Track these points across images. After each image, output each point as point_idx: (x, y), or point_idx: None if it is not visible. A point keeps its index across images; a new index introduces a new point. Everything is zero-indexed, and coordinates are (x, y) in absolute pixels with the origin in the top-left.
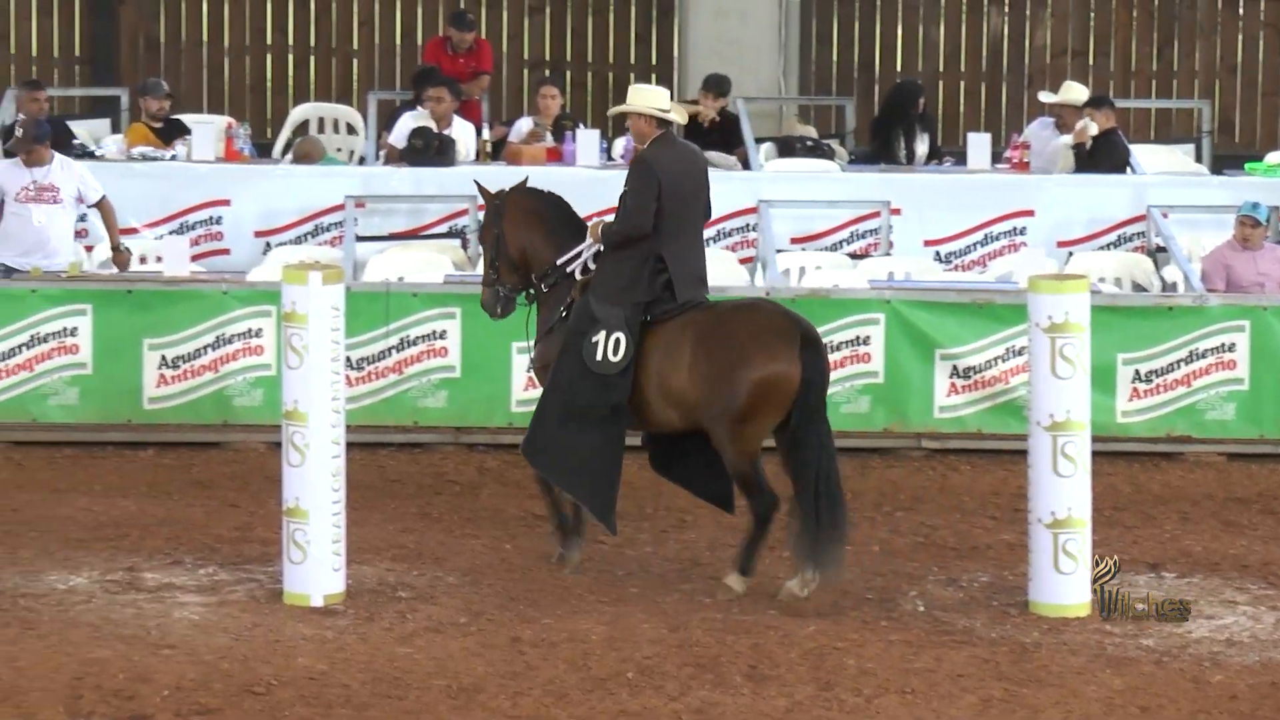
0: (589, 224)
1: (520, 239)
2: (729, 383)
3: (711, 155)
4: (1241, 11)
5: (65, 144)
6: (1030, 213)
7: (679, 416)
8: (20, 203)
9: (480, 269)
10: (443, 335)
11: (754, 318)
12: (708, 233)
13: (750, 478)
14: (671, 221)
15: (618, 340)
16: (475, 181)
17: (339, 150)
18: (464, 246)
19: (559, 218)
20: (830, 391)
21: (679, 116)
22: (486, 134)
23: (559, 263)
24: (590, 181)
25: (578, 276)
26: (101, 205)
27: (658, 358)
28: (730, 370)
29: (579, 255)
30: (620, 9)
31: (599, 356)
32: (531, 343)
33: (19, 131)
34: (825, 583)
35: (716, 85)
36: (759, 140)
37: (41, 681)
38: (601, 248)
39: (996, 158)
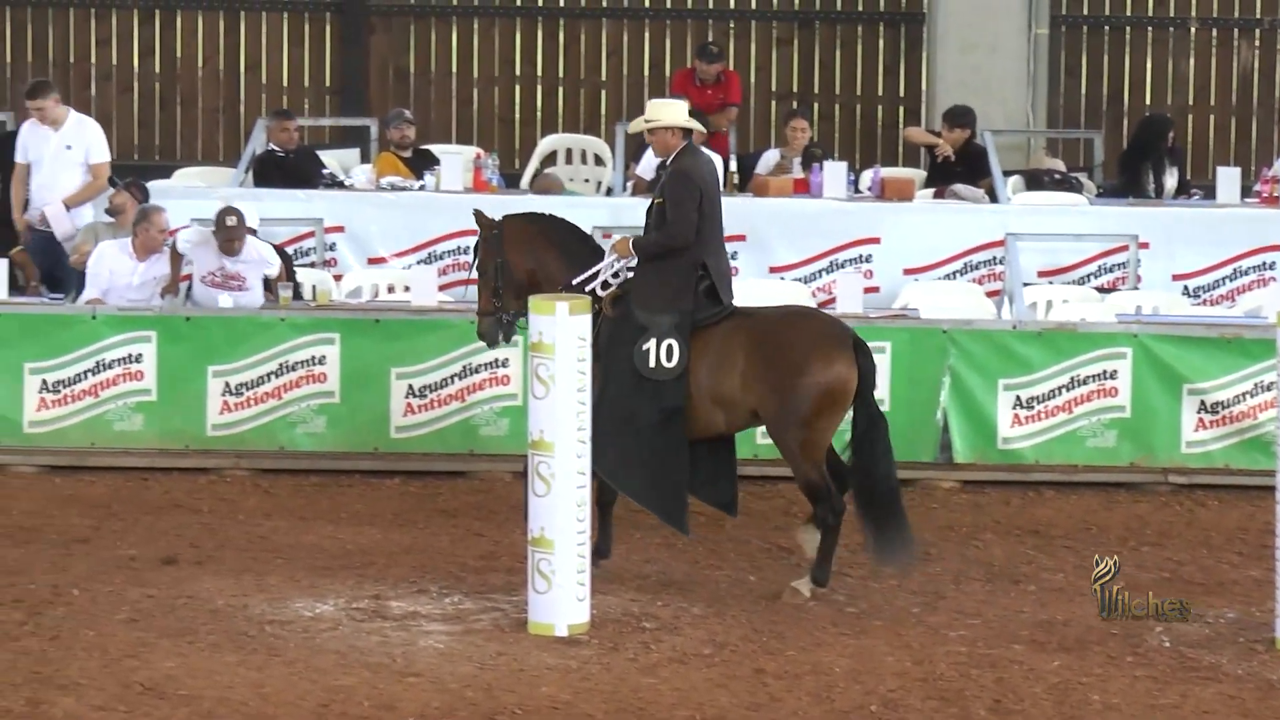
0: (613, 240)
1: (528, 262)
2: (794, 390)
3: (958, 188)
4: None
5: (315, 174)
6: None
7: (725, 420)
8: (206, 286)
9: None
10: None
11: (809, 325)
12: (954, 266)
13: (819, 485)
14: (709, 228)
15: (670, 346)
16: (474, 210)
17: (586, 181)
18: None
19: (568, 238)
20: (1075, 425)
21: (700, 127)
22: (734, 165)
23: (576, 281)
24: (836, 214)
25: (599, 293)
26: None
27: (708, 362)
28: (795, 378)
29: (598, 273)
30: (868, 41)
31: (651, 364)
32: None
33: (229, 221)
34: (900, 573)
35: (956, 117)
36: (1007, 173)
37: (287, 708)
38: (633, 260)
39: (1246, 191)
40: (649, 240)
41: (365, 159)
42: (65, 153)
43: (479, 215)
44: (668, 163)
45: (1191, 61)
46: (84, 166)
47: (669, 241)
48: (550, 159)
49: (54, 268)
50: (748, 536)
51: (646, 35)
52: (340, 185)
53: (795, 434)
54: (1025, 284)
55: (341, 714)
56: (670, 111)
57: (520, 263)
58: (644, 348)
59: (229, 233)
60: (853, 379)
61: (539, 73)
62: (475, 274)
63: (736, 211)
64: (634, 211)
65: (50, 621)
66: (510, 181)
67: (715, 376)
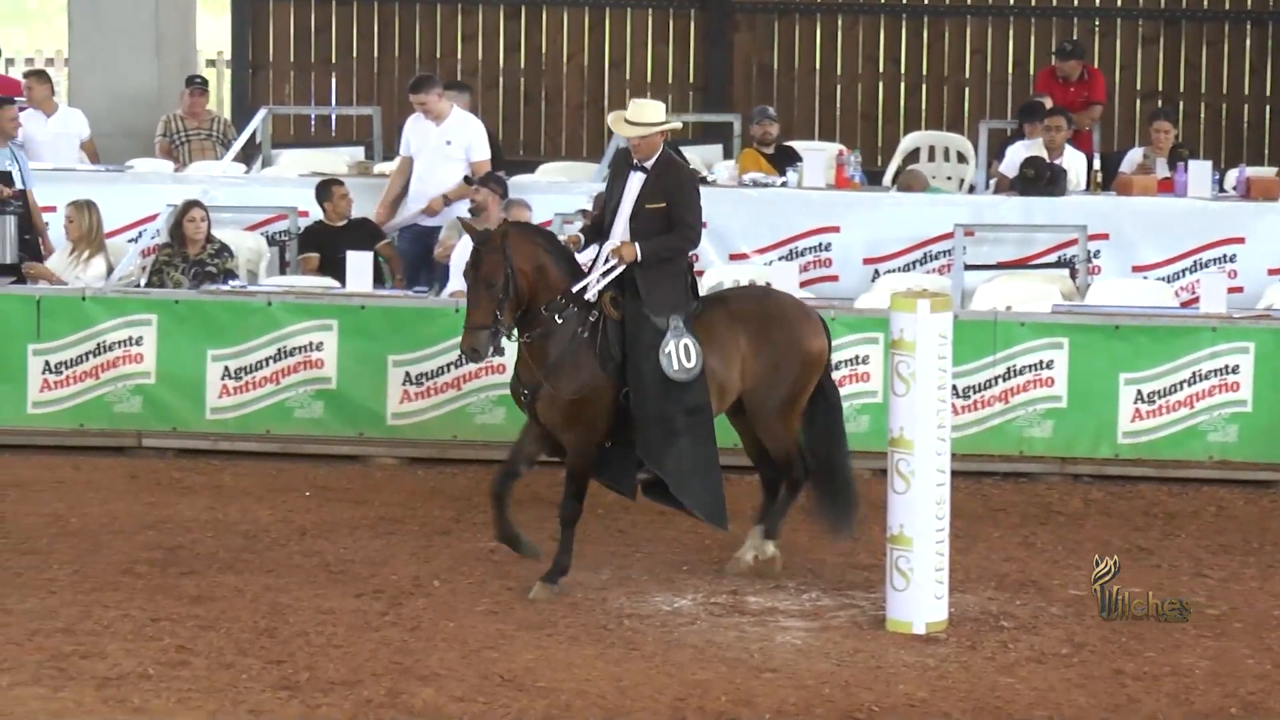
0: (610, 244)
1: (532, 274)
2: (790, 360)
3: None
4: None
5: None
6: None
7: (718, 406)
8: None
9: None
10: (1049, 365)
11: (783, 300)
12: None
13: (795, 449)
14: None
15: (686, 346)
16: (459, 218)
17: (949, 179)
18: (1073, 277)
19: (558, 248)
20: None
21: (678, 125)
22: (1097, 164)
23: (575, 290)
24: (1201, 213)
25: (592, 299)
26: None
27: (714, 353)
28: (791, 349)
29: (589, 282)
30: (1235, 40)
31: (675, 366)
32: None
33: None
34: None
35: None
36: None
37: (645, 702)
38: (638, 265)
39: None
40: (661, 244)
41: (728, 155)
42: (444, 147)
43: (469, 226)
44: (648, 163)
45: None
46: (464, 163)
47: (686, 245)
48: (913, 156)
49: (421, 262)
50: (1108, 536)
51: (1011, 33)
52: (703, 181)
53: (784, 405)
54: None
55: (698, 709)
56: (656, 112)
57: (526, 274)
58: (666, 351)
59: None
60: (828, 346)
61: (902, 70)
62: (479, 287)
63: (1099, 211)
64: (995, 209)
65: (411, 612)
66: (872, 179)
67: (722, 365)
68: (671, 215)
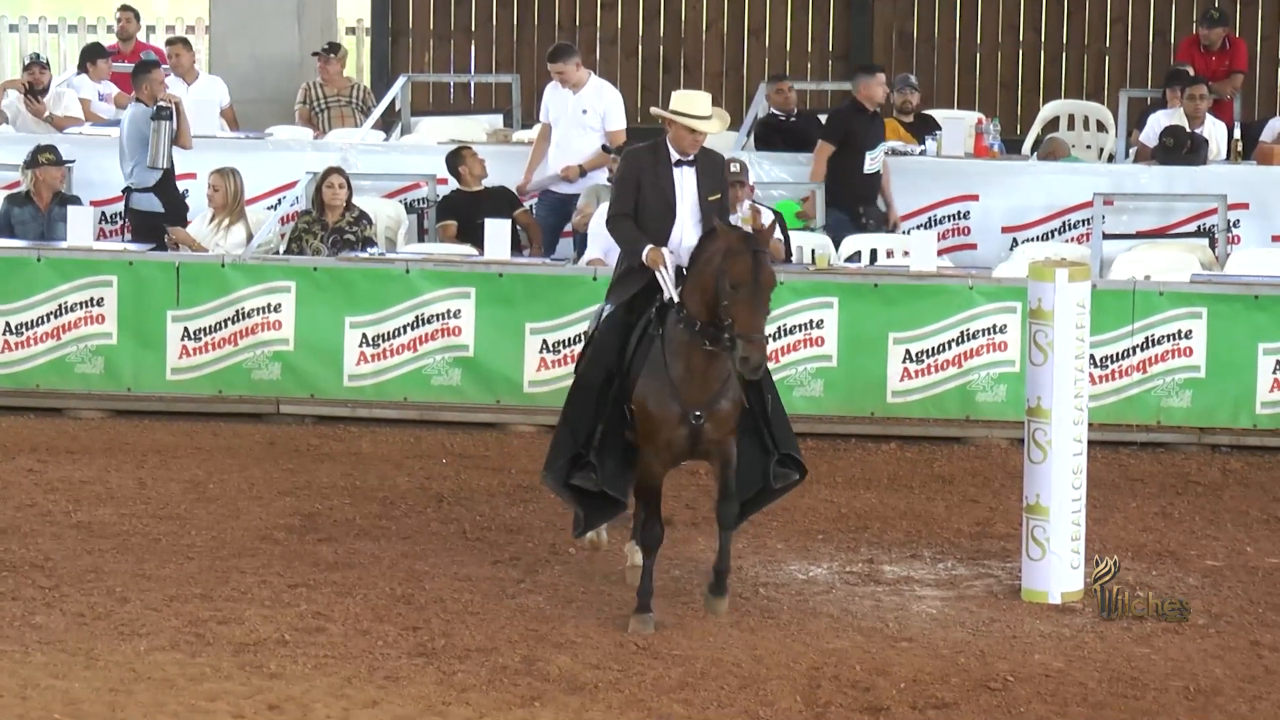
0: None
1: None
2: None
3: None
4: None
5: (815, 139)
6: None
7: None
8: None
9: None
10: (1188, 335)
11: None
12: None
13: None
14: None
15: None
16: (718, 224)
17: (1089, 148)
18: (1212, 246)
19: None
20: None
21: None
22: (1237, 133)
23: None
24: None
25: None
26: None
27: None
28: None
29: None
30: None
31: None
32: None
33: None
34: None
35: None
36: None
37: (780, 670)
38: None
39: None
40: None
41: None
42: (581, 116)
43: (724, 230)
44: (690, 156)
45: None
46: (600, 132)
47: None
48: (1053, 125)
49: (558, 229)
50: (1246, 507)
51: (1152, 2)
52: None
53: None
54: None
55: (834, 677)
56: (707, 103)
57: None
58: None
59: (732, 177)
60: None
61: (1043, 39)
62: (766, 295)
63: (1240, 180)
64: (1135, 179)
65: (548, 579)
66: (1011, 147)
67: None
68: (723, 206)
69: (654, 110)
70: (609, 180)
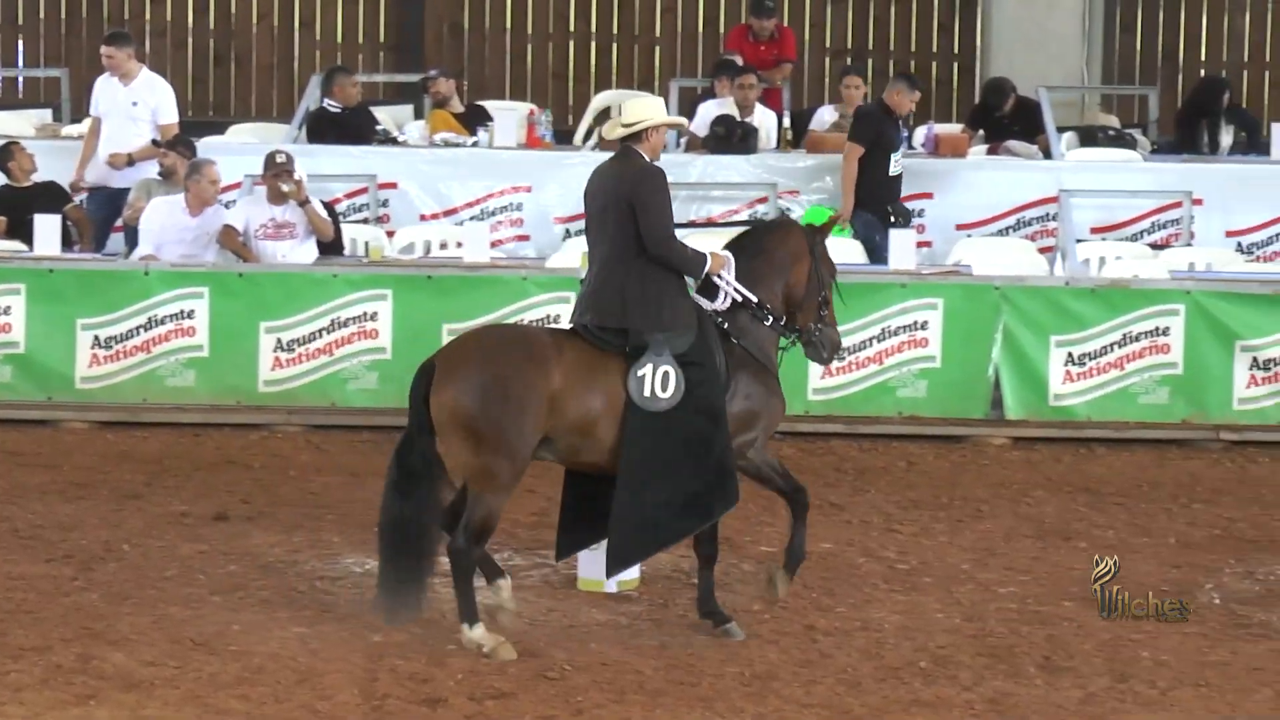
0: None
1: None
2: None
3: (1011, 144)
4: None
5: (368, 131)
6: None
7: None
8: (259, 240)
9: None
10: None
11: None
12: (1007, 222)
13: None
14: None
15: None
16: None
17: None
18: None
19: None
20: (1127, 382)
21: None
22: (787, 122)
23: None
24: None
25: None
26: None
27: None
28: None
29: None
30: None
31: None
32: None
33: (279, 158)
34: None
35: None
36: (1061, 129)
37: (338, 663)
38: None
39: None
40: None
41: (419, 115)
42: (131, 109)
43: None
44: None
45: (1247, 18)
46: (151, 125)
47: None
48: (604, 115)
49: (109, 224)
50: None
51: None
52: (394, 141)
53: None
54: (1078, 240)
55: (392, 669)
56: (658, 107)
57: None
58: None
59: (278, 169)
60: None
61: (593, 29)
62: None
63: (789, 168)
64: (685, 168)
65: (102, 577)
66: (562, 138)
67: None
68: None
69: (647, 123)
70: (160, 175)
